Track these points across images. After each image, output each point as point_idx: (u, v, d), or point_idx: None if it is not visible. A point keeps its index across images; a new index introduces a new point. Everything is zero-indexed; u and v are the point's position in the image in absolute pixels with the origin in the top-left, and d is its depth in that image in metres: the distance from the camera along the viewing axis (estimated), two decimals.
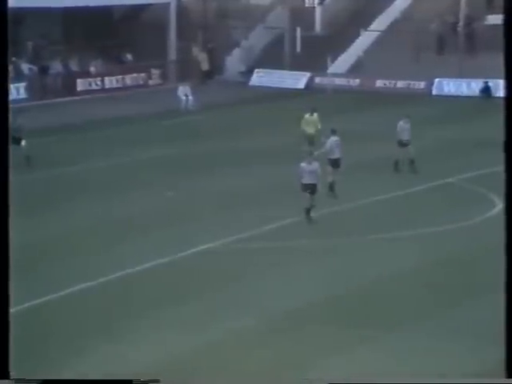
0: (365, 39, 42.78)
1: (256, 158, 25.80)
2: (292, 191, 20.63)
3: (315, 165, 18.85)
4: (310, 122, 24.73)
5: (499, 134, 24.98)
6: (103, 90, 39.56)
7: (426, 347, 12.73)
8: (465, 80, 38.50)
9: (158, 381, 7.45)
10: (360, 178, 21.66)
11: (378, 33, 42.85)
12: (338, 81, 40.41)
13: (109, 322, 13.73)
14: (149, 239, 17.94)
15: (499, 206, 19.94)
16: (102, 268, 16.16)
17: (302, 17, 43.31)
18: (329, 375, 11.45)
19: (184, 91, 35.63)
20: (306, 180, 18.59)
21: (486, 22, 41.61)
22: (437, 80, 39.15)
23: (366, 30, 42.90)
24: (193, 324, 13.73)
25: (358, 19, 43.05)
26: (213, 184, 22.58)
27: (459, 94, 38.13)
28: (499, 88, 37.66)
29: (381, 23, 43.32)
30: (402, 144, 23.10)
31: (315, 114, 24.84)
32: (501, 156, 24.27)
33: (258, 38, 44.64)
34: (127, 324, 13.65)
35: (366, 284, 15.44)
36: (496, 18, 41.17)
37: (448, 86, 38.98)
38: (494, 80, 37.48)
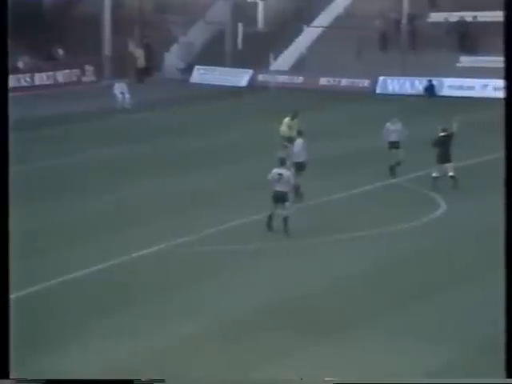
0: (308, 36, 41.95)
1: (204, 158, 25.17)
2: (243, 191, 20.11)
3: (288, 172, 18.30)
4: (292, 126, 23.32)
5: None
6: (33, 87, 37.87)
7: (378, 349, 12.46)
8: (409, 78, 38.18)
9: (162, 381, 7.54)
10: (310, 178, 20.79)
11: (321, 29, 42.02)
12: (282, 78, 39.56)
13: (49, 329, 13.06)
14: (96, 243, 17.18)
15: (443, 206, 19.75)
16: (43, 273, 15.33)
17: (244, 12, 42.26)
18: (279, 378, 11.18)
19: (120, 88, 34.36)
20: (279, 187, 17.88)
21: (428, 20, 41.24)
22: (381, 78, 38.56)
23: (309, 26, 42.03)
24: (139, 330, 13.15)
25: (301, 15, 42.18)
26: (161, 185, 21.85)
27: (403, 92, 37.83)
28: (443, 86, 37.33)
29: (324, 19, 42.54)
30: (391, 146, 22.49)
31: (296, 119, 23.42)
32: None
33: (198, 34, 43.45)
34: (68, 332, 12.97)
35: (319, 286, 15.02)
36: (438, 16, 40.86)
37: (392, 85, 38.52)
38: (438, 78, 37.09)
